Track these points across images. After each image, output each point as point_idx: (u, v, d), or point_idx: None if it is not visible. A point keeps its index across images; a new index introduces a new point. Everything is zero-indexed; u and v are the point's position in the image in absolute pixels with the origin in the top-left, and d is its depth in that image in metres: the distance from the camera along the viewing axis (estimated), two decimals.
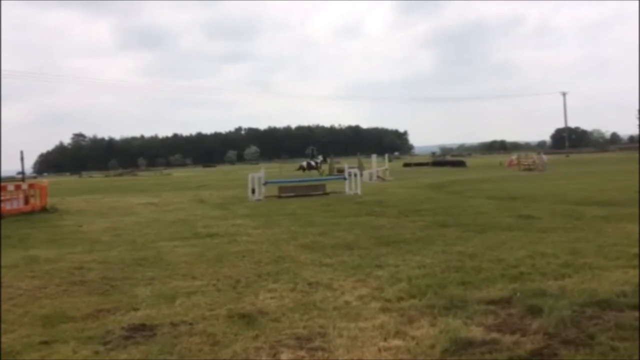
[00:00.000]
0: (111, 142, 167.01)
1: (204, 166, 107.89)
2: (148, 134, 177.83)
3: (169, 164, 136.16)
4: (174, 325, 4.28)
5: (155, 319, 4.46)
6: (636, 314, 4.04)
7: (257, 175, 17.33)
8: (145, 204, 17.29)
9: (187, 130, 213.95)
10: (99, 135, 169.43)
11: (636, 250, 6.40)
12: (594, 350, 3.39)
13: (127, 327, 4.25)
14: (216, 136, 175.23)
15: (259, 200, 16.46)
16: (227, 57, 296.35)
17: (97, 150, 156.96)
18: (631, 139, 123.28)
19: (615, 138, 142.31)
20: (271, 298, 4.99)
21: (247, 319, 4.35)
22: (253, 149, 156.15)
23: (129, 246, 8.45)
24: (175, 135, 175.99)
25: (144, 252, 7.76)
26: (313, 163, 37.86)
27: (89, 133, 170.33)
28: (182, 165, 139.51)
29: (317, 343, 3.76)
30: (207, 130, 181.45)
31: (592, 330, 3.72)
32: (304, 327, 4.09)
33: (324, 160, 38.01)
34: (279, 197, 17.22)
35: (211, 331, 4.11)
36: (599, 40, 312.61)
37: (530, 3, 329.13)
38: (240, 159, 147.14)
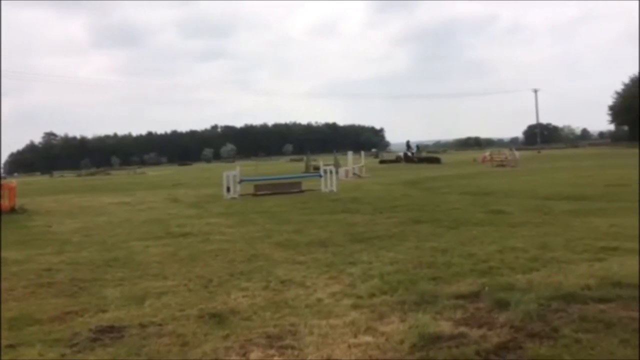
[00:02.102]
0: (83, 140, 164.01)
1: (180, 164, 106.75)
2: (121, 132, 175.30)
3: (143, 163, 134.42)
4: (142, 326, 4.24)
5: (124, 320, 4.41)
6: (600, 306, 4.15)
7: (233, 174, 17.22)
8: (117, 203, 17.06)
9: (161, 128, 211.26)
10: (71, 134, 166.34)
11: (602, 243, 6.57)
12: (558, 342, 3.46)
13: (95, 329, 4.18)
14: (192, 134, 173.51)
15: (234, 198, 16.37)
16: (203, 56, 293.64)
17: (68, 149, 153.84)
18: (601, 134, 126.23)
19: (585, 134, 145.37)
20: (243, 297, 4.97)
21: (218, 318, 4.33)
22: (229, 146, 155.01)
23: (99, 247, 8.32)
24: (150, 134, 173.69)
25: (115, 253, 7.66)
26: (409, 154, 42.62)
27: (61, 132, 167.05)
28: (157, 163, 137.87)
29: (287, 341, 3.76)
30: (183, 128, 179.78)
31: (557, 323, 3.79)
32: (275, 326, 4.09)
33: (419, 150, 45.27)
34: (255, 195, 17.15)
35: (181, 332, 4.07)
36: (570, 39, 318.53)
37: (503, 2, 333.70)
38: (217, 157, 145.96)
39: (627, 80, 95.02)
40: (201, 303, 4.82)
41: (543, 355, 3.30)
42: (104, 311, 4.71)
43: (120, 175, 62.25)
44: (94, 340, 3.96)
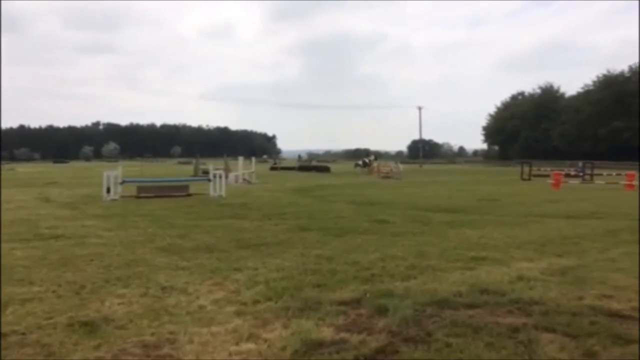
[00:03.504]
0: None
1: (55, 162, 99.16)
2: None
3: (13, 158, 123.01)
4: (3, 335, 3.84)
5: None
6: (470, 312, 4.44)
7: (114, 174, 16.28)
8: None
9: (36, 122, 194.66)
10: None
11: (472, 253, 7.07)
12: (431, 346, 3.65)
13: None
14: (70, 130, 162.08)
15: (114, 200, 15.47)
16: (88, 49, 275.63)
17: None
18: (475, 153, 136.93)
19: (462, 151, 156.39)
20: (119, 304, 4.69)
21: (90, 327, 4.05)
22: (112, 145, 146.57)
23: None
24: (22, 127, 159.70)
25: None
26: (367, 161, 46.45)
27: None
28: (30, 160, 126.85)
29: (165, 350, 3.60)
30: (60, 123, 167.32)
31: (431, 328, 4.01)
32: (153, 334, 3.90)
33: (375, 159, 48.96)
34: (138, 197, 16.36)
35: (46, 341, 3.75)
36: (451, 63, 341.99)
37: (392, 22, 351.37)
38: (98, 155, 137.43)
39: (499, 104, 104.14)
40: (71, 311, 4.48)
41: (417, 359, 3.46)
42: None
43: None
44: None
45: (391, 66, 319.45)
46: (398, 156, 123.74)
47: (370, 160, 47.71)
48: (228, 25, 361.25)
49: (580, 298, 4.89)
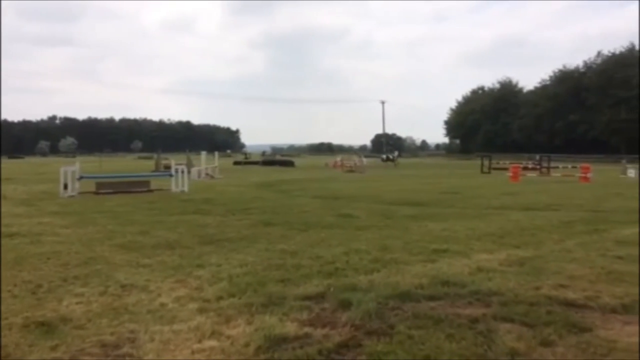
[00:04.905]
0: None
1: (9, 157, 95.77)
2: None
3: None
4: None
5: None
6: (431, 304, 4.51)
7: (71, 169, 15.84)
8: None
9: None
10: None
11: (434, 246, 7.18)
12: (393, 339, 3.69)
13: None
14: (25, 124, 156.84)
15: (72, 196, 15.06)
16: (44, 41, 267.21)
17: None
18: (437, 146, 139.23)
19: (424, 145, 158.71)
20: (77, 303, 4.57)
21: (46, 327, 3.93)
22: (69, 140, 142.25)
23: None
24: None
25: None
26: (390, 156, 48.92)
27: None
28: None
29: (125, 349, 3.53)
30: (14, 117, 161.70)
31: (393, 321, 4.05)
32: (112, 334, 3.82)
33: (399, 155, 52.42)
34: (97, 193, 15.97)
35: (1, 343, 3.62)
36: (414, 58, 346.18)
37: (355, 17, 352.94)
38: (55, 150, 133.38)
39: (460, 99, 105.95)
40: (27, 311, 4.34)
41: (380, 351, 3.49)
42: None
43: None
44: None
45: (355, 61, 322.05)
46: (362, 150, 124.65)
47: (394, 156, 50.01)
48: (190, 18, 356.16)
49: (537, 288, 5.02)
